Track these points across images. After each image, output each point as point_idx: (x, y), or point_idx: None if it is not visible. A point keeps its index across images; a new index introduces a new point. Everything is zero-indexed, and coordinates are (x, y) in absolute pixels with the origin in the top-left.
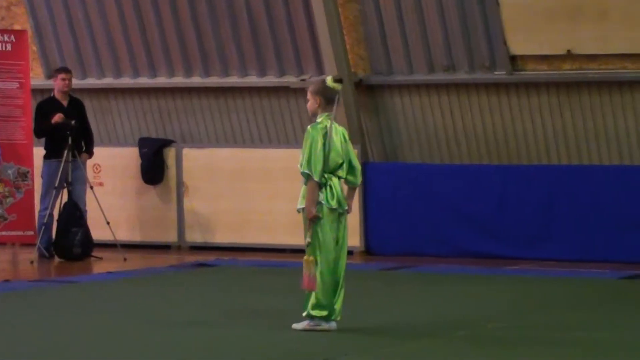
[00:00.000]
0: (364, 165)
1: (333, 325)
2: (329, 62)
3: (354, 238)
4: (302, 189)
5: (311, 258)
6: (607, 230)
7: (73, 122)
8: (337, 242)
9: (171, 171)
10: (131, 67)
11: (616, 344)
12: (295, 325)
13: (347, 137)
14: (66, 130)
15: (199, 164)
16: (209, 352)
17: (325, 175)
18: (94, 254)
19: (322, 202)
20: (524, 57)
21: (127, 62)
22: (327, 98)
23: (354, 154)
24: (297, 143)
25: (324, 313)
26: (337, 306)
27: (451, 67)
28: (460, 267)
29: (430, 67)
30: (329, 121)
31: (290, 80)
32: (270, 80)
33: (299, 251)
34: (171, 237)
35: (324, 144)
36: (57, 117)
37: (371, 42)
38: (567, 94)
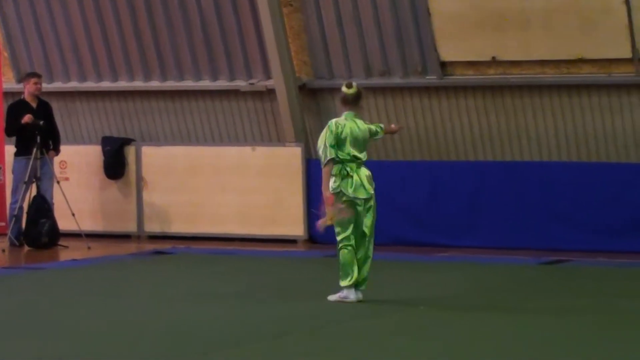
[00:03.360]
0: (308, 162)
1: (360, 295)
2: (276, 68)
3: (298, 228)
4: None
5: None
6: (528, 220)
7: (41, 122)
8: (362, 223)
9: (131, 167)
10: (94, 72)
11: (534, 323)
12: (330, 297)
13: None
14: (35, 130)
15: (156, 160)
16: (167, 330)
17: (348, 167)
18: (60, 242)
19: (342, 190)
20: (453, 63)
21: (91, 67)
22: (342, 100)
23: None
24: (245, 141)
25: (350, 282)
26: (363, 275)
27: (387, 72)
28: (394, 255)
29: (368, 72)
30: (344, 118)
31: (240, 84)
32: (222, 84)
33: (247, 240)
34: (131, 227)
35: (335, 136)
36: (27, 118)
37: (314, 49)
38: (492, 97)
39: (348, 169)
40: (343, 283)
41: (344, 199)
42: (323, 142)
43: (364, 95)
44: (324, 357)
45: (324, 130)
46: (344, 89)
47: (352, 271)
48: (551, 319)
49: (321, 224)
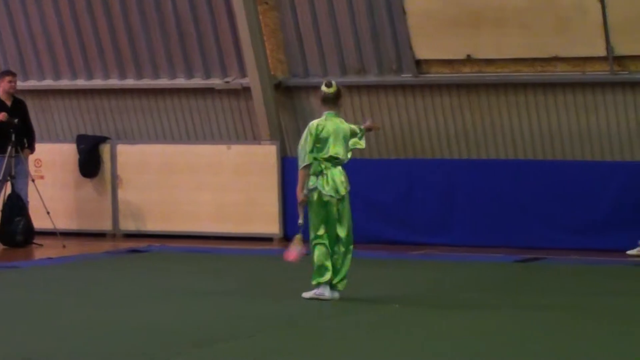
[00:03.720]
0: (283, 160)
1: (336, 295)
2: (251, 66)
3: (274, 226)
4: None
5: (299, 236)
6: (503, 218)
7: (16, 120)
8: (337, 220)
9: (106, 165)
10: (69, 70)
11: (508, 321)
12: (304, 294)
13: (352, 127)
14: (10, 128)
15: (131, 158)
16: (142, 329)
17: (323, 165)
18: (35, 241)
19: (318, 187)
20: (428, 61)
21: (66, 65)
22: (322, 100)
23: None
24: (221, 139)
25: (325, 278)
26: (341, 275)
27: (362, 70)
28: (370, 253)
29: (343, 70)
30: (325, 118)
31: (215, 82)
32: (197, 82)
33: (222, 238)
34: (106, 225)
35: (315, 138)
36: (1, 116)
37: (289, 47)
38: (467, 95)
39: (323, 166)
40: (318, 281)
41: (318, 197)
42: (303, 147)
43: (343, 94)
44: (299, 354)
45: (305, 132)
46: (323, 88)
47: (327, 269)
48: (526, 317)
49: (291, 256)
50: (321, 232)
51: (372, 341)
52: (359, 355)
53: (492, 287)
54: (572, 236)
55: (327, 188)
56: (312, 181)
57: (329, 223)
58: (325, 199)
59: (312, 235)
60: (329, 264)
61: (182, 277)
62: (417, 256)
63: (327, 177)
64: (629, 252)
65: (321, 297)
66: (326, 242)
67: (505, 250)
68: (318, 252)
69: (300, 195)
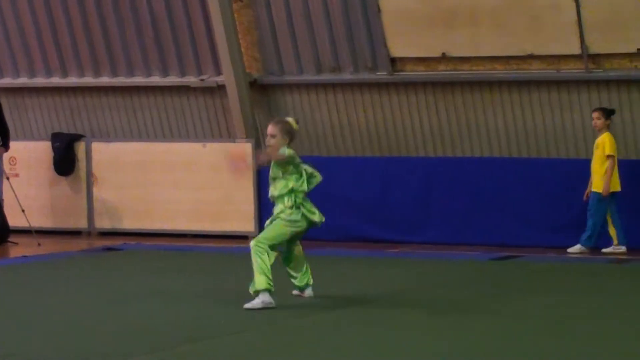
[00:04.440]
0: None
1: (311, 293)
2: (226, 64)
3: (249, 224)
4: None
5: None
6: (479, 216)
7: None
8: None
9: (81, 163)
10: (44, 68)
11: (483, 319)
12: (247, 305)
13: None
14: None
15: (107, 156)
16: (117, 328)
17: (300, 197)
18: (10, 239)
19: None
20: (403, 59)
21: (41, 63)
22: (290, 136)
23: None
24: (196, 137)
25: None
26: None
27: (337, 68)
28: (345, 251)
29: (318, 68)
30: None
31: (191, 80)
32: (172, 80)
33: (199, 236)
34: (82, 223)
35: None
36: None
37: (264, 45)
38: (442, 93)
39: (301, 199)
40: (262, 287)
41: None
42: (293, 154)
43: None
44: (279, 353)
45: (290, 151)
46: (294, 124)
47: (270, 275)
48: (502, 315)
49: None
50: (279, 241)
51: (348, 339)
52: (334, 353)
53: (468, 285)
54: (548, 234)
55: (316, 215)
56: (295, 214)
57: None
58: (303, 227)
59: (269, 241)
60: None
61: (158, 275)
62: (393, 254)
63: (305, 207)
64: (569, 249)
65: (270, 305)
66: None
67: (481, 248)
68: (268, 260)
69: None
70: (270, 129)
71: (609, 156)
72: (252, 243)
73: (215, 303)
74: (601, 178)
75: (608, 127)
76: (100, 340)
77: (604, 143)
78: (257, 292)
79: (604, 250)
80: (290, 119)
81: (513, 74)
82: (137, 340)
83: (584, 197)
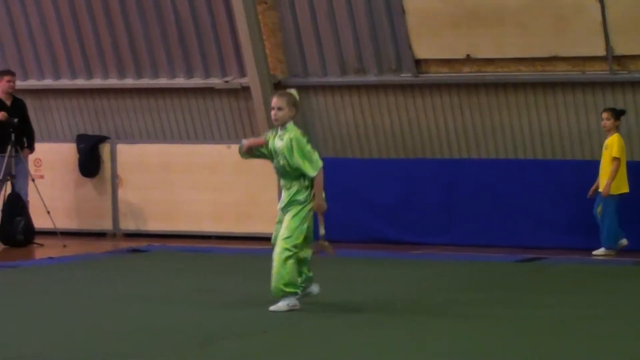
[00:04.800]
0: None
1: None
2: (250, 65)
3: (273, 225)
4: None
5: (323, 242)
6: (503, 218)
7: (15, 120)
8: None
9: (106, 165)
10: (69, 70)
11: (508, 320)
12: (272, 308)
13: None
14: (9, 128)
15: (131, 158)
16: (143, 328)
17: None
18: (35, 240)
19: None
20: (427, 61)
21: (65, 65)
22: (296, 107)
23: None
24: (220, 139)
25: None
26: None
27: (361, 69)
28: (369, 252)
29: (343, 69)
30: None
31: (215, 81)
32: (197, 81)
33: (222, 237)
34: (106, 225)
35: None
36: (1, 116)
37: (289, 46)
38: (466, 95)
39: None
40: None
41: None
42: (311, 150)
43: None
44: (300, 353)
45: (302, 139)
46: (297, 95)
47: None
48: (526, 316)
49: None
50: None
51: (371, 340)
52: (358, 355)
53: (492, 287)
54: (573, 235)
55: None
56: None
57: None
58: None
59: (292, 242)
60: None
61: (183, 276)
62: (416, 256)
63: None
64: (595, 252)
65: (296, 307)
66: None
67: (506, 250)
68: (293, 265)
69: (323, 202)
70: (276, 101)
71: (615, 158)
72: (281, 245)
73: (239, 304)
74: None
75: (617, 128)
76: (124, 341)
77: (613, 145)
78: (284, 295)
79: (594, 252)
80: (292, 90)
81: (538, 76)
82: (160, 341)
83: (589, 194)
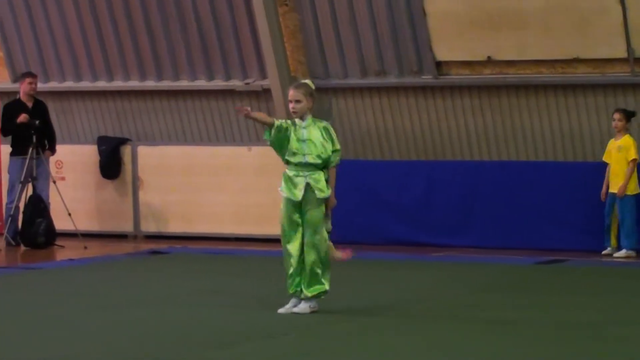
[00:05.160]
0: None
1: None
2: (271, 67)
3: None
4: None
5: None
6: (523, 220)
7: (37, 122)
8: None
9: (127, 167)
10: (90, 72)
11: (526, 321)
12: (297, 309)
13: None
14: (31, 130)
15: (152, 160)
16: (164, 330)
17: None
18: (56, 242)
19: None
20: (448, 63)
21: (87, 67)
22: (313, 98)
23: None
24: (241, 141)
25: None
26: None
27: (382, 71)
28: (389, 254)
29: (364, 71)
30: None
31: (236, 83)
32: (218, 84)
33: (243, 240)
34: (127, 227)
35: None
36: (22, 118)
37: (309, 48)
38: (487, 97)
39: None
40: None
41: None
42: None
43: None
44: (316, 356)
45: (332, 131)
46: (312, 85)
47: None
48: (546, 318)
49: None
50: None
51: (389, 343)
52: (379, 356)
53: (512, 289)
54: (593, 238)
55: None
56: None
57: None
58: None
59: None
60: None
61: (204, 278)
62: (437, 258)
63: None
64: (615, 254)
65: (315, 309)
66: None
67: (526, 252)
68: None
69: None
70: (293, 93)
71: (632, 160)
72: (323, 246)
73: (259, 307)
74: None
75: (627, 130)
76: (147, 343)
77: (629, 147)
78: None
79: (615, 255)
80: (307, 80)
81: (558, 78)
82: (181, 343)
83: (602, 197)
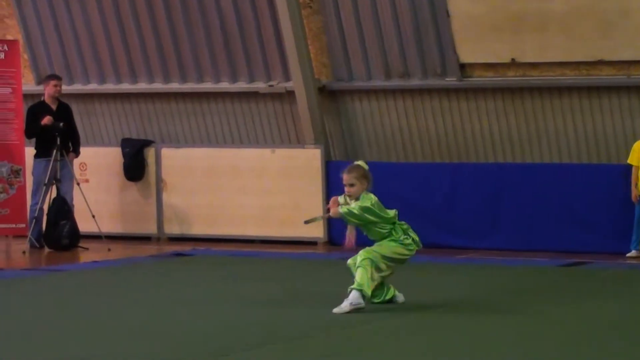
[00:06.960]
0: (327, 163)
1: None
2: (295, 69)
3: (318, 229)
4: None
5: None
6: (548, 222)
7: (61, 124)
8: None
9: (151, 169)
10: (114, 74)
11: (552, 322)
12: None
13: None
14: (55, 132)
15: (176, 162)
16: (187, 331)
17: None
18: (80, 244)
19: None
20: (472, 65)
21: (111, 69)
22: (370, 181)
23: None
24: (265, 143)
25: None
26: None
27: (406, 73)
28: (414, 257)
29: (387, 73)
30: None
31: (260, 86)
32: (241, 86)
33: (267, 242)
34: (151, 229)
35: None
36: (47, 120)
37: (333, 50)
38: (511, 99)
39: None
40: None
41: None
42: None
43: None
44: (347, 357)
45: (369, 204)
46: (366, 166)
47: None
48: (572, 321)
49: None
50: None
51: (418, 343)
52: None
53: (537, 291)
54: (618, 240)
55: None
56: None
57: None
58: None
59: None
60: None
61: (227, 280)
62: (461, 260)
63: None
64: (628, 255)
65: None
66: None
67: (550, 254)
68: None
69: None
70: (347, 178)
71: None
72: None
73: (283, 307)
74: None
75: None
76: (168, 344)
77: None
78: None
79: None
80: (360, 162)
81: (582, 80)
82: (206, 345)
83: (634, 199)
